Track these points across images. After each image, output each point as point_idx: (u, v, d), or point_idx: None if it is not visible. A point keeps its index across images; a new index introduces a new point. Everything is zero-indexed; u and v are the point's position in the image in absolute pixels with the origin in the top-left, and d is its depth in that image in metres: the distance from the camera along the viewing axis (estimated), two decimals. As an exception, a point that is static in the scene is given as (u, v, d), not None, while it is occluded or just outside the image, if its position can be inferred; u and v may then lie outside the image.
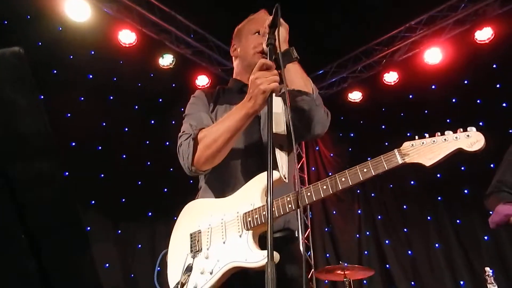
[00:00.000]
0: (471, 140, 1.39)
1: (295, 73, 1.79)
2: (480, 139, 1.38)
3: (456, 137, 1.41)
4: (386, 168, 1.45)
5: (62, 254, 0.75)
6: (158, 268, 1.77)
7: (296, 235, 1.85)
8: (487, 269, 3.43)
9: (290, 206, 1.55)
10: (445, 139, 1.43)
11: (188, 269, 1.61)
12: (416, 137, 1.48)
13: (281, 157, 1.70)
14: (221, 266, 1.57)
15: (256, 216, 1.57)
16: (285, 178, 1.63)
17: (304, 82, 1.80)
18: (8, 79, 0.67)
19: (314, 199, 1.53)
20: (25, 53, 0.67)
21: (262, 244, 1.58)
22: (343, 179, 1.50)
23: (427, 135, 1.46)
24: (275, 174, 1.59)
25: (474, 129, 1.41)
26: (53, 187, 0.73)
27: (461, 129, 1.43)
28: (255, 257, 1.50)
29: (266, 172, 1.61)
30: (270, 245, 1.16)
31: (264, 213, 1.55)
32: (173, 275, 1.68)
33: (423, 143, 1.45)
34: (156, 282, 1.72)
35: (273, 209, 1.53)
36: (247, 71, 2.04)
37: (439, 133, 1.45)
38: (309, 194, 1.54)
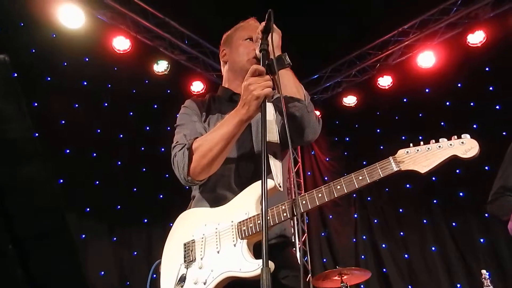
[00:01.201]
0: (466, 147, 1.40)
1: (288, 79, 1.78)
2: (474, 146, 1.40)
3: (451, 144, 1.43)
4: (382, 176, 1.46)
5: (49, 262, 0.75)
6: (154, 276, 1.76)
7: (291, 241, 1.84)
8: (484, 271, 3.43)
9: (285, 214, 1.54)
10: (439, 146, 1.44)
11: (182, 279, 1.60)
12: (411, 144, 1.49)
13: (275, 165, 1.70)
14: (215, 276, 1.55)
15: (250, 225, 1.56)
16: (280, 186, 1.62)
17: (297, 88, 1.80)
18: (-8, 86, 0.67)
19: (310, 207, 1.53)
20: (15, 57, 0.67)
21: (256, 251, 1.57)
22: (338, 187, 1.50)
23: (422, 142, 1.47)
24: (270, 183, 1.58)
25: (468, 136, 1.42)
26: (39, 192, 0.72)
27: (455, 136, 1.44)
28: (250, 267, 1.49)
29: (261, 181, 1.61)
30: (265, 251, 1.16)
31: (259, 221, 1.54)
32: (166, 285, 1.66)
33: (417, 150, 1.46)
34: None
35: (268, 217, 1.52)
36: (237, 77, 2.04)
37: (433, 140, 1.46)
38: (304, 202, 1.53)
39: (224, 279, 1.54)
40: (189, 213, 1.85)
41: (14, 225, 0.69)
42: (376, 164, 1.48)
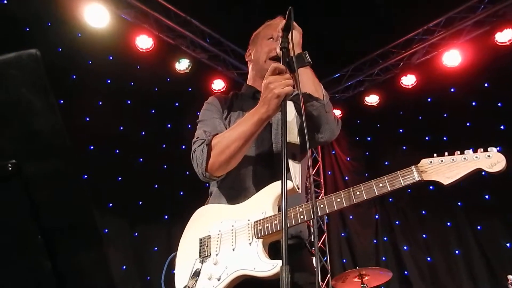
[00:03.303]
0: (492, 160, 1.38)
1: (307, 78, 1.77)
2: (501, 160, 1.37)
3: (476, 157, 1.40)
4: (403, 185, 1.45)
5: (76, 253, 0.76)
6: (173, 271, 1.78)
7: (306, 243, 1.83)
8: (510, 277, 3.34)
9: (302, 217, 1.54)
10: (464, 158, 1.42)
11: (196, 274, 1.61)
12: (435, 154, 1.47)
13: (294, 167, 1.70)
14: (229, 273, 1.56)
15: (267, 225, 1.57)
16: (298, 188, 1.62)
17: (315, 87, 1.78)
18: (24, 80, 0.69)
19: (327, 212, 1.52)
20: (42, 56, 0.68)
21: (271, 251, 1.58)
22: (357, 193, 1.49)
23: (446, 153, 1.46)
24: (289, 184, 1.58)
25: (495, 149, 1.40)
26: (67, 185, 0.74)
27: (482, 149, 1.42)
28: (264, 267, 1.49)
29: (278, 181, 1.61)
30: (285, 250, 1.15)
31: (275, 222, 1.55)
32: (181, 278, 1.68)
33: (442, 161, 1.44)
34: (163, 284, 1.73)
35: None
36: (259, 77, 2.04)
37: (458, 152, 1.44)
38: (322, 206, 1.53)
39: (238, 276, 1.55)
40: (206, 209, 1.87)
41: (41, 217, 0.71)
42: (397, 172, 1.47)
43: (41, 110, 0.69)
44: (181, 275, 1.69)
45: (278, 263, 1.45)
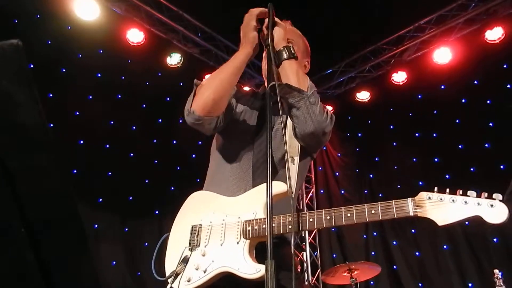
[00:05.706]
0: (494, 211, 1.29)
1: (290, 70, 1.76)
2: (503, 212, 1.28)
3: (478, 203, 1.32)
4: (395, 217, 1.41)
5: (60, 247, 0.76)
6: (162, 256, 1.79)
7: (289, 241, 1.84)
8: (496, 271, 3.39)
9: (290, 227, 1.55)
10: (465, 202, 1.34)
11: (185, 261, 1.65)
12: (436, 188, 1.40)
13: (292, 170, 1.73)
14: (214, 268, 1.60)
15: (256, 227, 1.59)
16: (292, 193, 1.63)
17: (299, 79, 1.75)
18: (5, 71, 0.68)
19: (316, 227, 1.53)
20: (31, 48, 0.67)
21: (258, 250, 1.61)
22: (348, 215, 1.49)
23: (447, 189, 1.38)
24: (283, 187, 1.60)
25: (500, 196, 1.31)
26: (50, 179, 0.73)
27: (486, 194, 1.33)
28: (248, 269, 1.52)
29: (275, 182, 1.62)
30: (270, 245, 1.17)
31: (263, 226, 1.57)
32: (170, 263, 1.72)
33: (441, 199, 1.37)
34: (153, 266, 1.74)
35: (274, 225, 1.54)
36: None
37: (460, 191, 1.36)
38: (311, 220, 1.53)
39: (222, 272, 1.59)
40: (200, 195, 1.89)
41: (24, 210, 0.70)
42: (392, 201, 1.44)
43: (24, 102, 0.67)
44: (170, 259, 1.73)
45: (261, 269, 1.48)
